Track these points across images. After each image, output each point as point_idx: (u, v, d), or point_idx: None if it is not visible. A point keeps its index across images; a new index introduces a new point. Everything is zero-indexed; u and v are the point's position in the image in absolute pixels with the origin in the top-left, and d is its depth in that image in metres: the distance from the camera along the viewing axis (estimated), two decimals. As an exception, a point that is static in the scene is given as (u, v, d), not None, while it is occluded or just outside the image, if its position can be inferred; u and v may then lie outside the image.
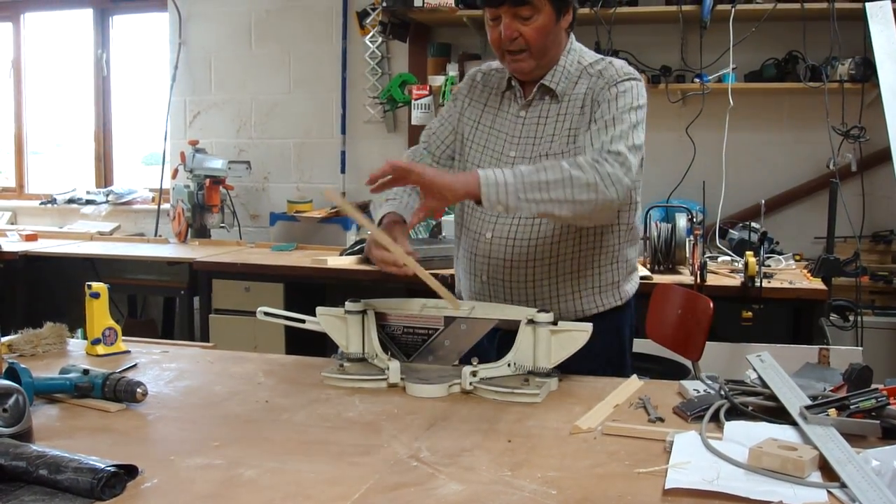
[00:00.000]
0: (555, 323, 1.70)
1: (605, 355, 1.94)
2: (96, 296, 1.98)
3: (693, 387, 1.63)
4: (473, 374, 1.67)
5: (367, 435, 1.43)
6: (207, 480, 1.21)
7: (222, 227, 4.59)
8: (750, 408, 1.47)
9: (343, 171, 4.76)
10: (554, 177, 1.69)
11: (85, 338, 2.04)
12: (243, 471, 1.25)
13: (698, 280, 3.19)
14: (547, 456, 1.32)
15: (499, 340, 1.90)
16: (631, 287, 2.06)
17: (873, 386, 1.44)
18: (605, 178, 1.72)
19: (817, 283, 3.27)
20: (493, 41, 1.90)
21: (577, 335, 1.71)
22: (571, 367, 1.76)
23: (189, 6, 4.97)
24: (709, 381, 1.65)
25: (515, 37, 1.85)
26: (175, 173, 4.67)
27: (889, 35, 3.54)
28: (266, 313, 1.97)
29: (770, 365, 1.57)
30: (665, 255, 3.44)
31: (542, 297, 1.96)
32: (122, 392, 1.55)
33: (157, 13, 5.15)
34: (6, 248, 4.18)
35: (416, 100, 4.29)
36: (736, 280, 3.29)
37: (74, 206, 5.20)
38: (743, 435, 1.33)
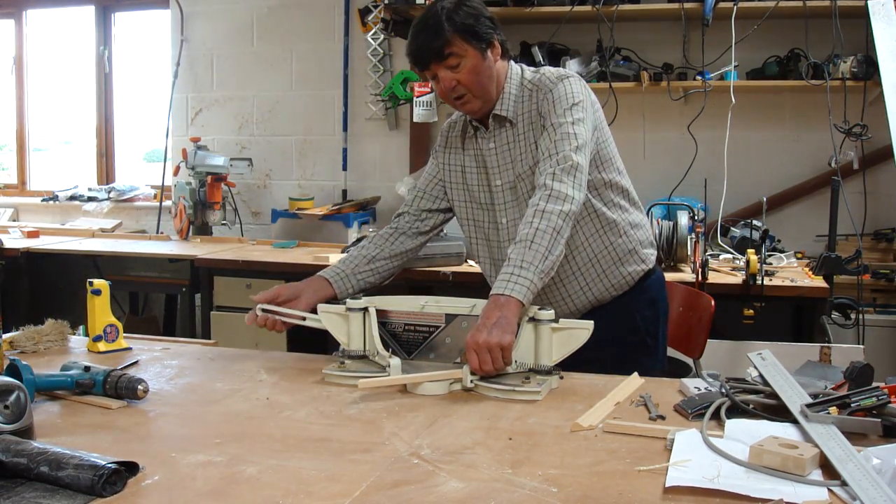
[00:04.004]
0: (556, 321, 1.71)
1: (644, 325, 2.13)
2: (98, 293, 1.99)
3: (694, 385, 1.63)
4: (474, 371, 1.68)
5: (367, 432, 1.43)
6: (208, 477, 1.22)
7: (224, 224, 4.59)
8: (751, 406, 1.47)
9: (345, 168, 4.76)
10: (546, 242, 1.77)
11: (86, 335, 2.05)
12: (244, 468, 1.25)
13: (700, 278, 3.19)
14: (548, 453, 1.32)
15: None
16: (650, 253, 2.17)
17: (874, 384, 1.44)
18: (565, 199, 1.83)
19: (819, 281, 3.27)
20: (440, 95, 2.04)
21: (579, 333, 1.71)
22: (611, 335, 1.93)
23: (191, 3, 4.96)
24: (710, 379, 1.65)
25: (453, 85, 1.98)
26: (177, 170, 4.67)
27: (891, 32, 3.53)
28: (263, 310, 1.97)
29: (771, 363, 1.57)
30: (667, 253, 3.44)
31: (567, 276, 2.07)
32: (124, 389, 1.56)
33: (158, 10, 5.15)
34: (8, 245, 4.18)
35: (417, 97, 4.28)
36: (737, 278, 3.28)
37: (76, 202, 5.20)
38: (744, 433, 1.33)
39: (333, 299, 2.03)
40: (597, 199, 2.05)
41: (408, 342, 1.84)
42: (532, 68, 2.09)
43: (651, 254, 2.17)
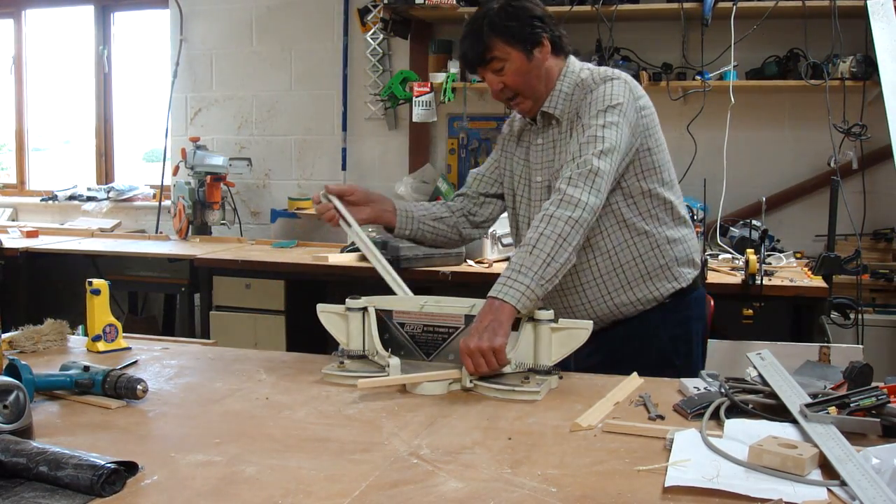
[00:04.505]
0: (555, 321, 1.71)
1: (672, 344, 2.03)
2: (97, 292, 1.99)
3: (693, 384, 1.63)
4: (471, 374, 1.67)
5: (367, 432, 1.43)
6: (208, 477, 1.21)
7: (223, 223, 4.59)
8: (750, 406, 1.47)
9: (344, 168, 4.76)
10: (548, 248, 1.74)
11: (86, 334, 2.05)
12: (244, 467, 1.25)
13: (699, 278, 3.18)
14: (547, 453, 1.32)
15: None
16: (688, 270, 2.06)
17: (873, 384, 1.44)
18: (576, 205, 1.78)
19: (818, 281, 3.27)
20: (493, 96, 2.04)
21: (578, 333, 1.71)
22: (632, 349, 1.95)
23: (190, 3, 4.96)
24: (709, 379, 1.65)
25: (500, 88, 2.00)
26: (176, 170, 4.67)
27: (890, 32, 3.53)
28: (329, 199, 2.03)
29: (770, 363, 1.58)
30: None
31: (587, 282, 2.02)
32: (123, 389, 1.56)
33: (158, 10, 5.15)
34: (7, 245, 4.18)
35: (417, 97, 4.28)
36: (737, 278, 3.28)
37: (75, 202, 5.20)
38: (743, 433, 1.33)
39: (388, 229, 2.11)
40: (630, 207, 1.99)
41: (426, 343, 1.82)
42: (590, 66, 2.06)
43: (689, 273, 2.06)
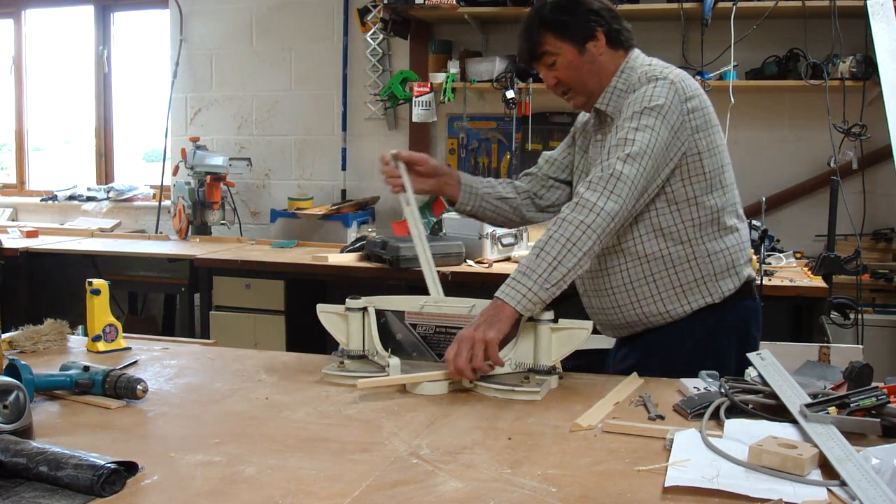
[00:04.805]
0: (555, 321, 1.71)
1: (699, 356, 1.88)
2: (97, 292, 1.99)
3: (693, 385, 1.63)
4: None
5: (367, 432, 1.43)
6: (207, 477, 1.21)
7: (223, 223, 4.59)
8: (750, 406, 1.47)
9: (344, 168, 4.76)
10: (555, 251, 1.70)
11: (85, 334, 2.05)
12: (243, 468, 1.25)
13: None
14: (547, 453, 1.32)
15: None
16: (726, 284, 1.95)
17: (873, 384, 1.44)
18: (591, 210, 1.72)
19: (818, 281, 3.27)
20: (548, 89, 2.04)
21: (578, 333, 1.71)
22: (658, 357, 1.90)
23: (190, 3, 4.96)
24: (709, 379, 1.65)
25: (554, 83, 1.98)
26: (176, 170, 4.67)
27: (890, 32, 3.53)
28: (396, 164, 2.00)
29: (770, 363, 1.58)
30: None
31: (617, 286, 1.96)
32: (123, 389, 1.56)
33: (158, 10, 5.15)
34: (7, 245, 4.18)
35: (417, 97, 4.28)
36: (737, 278, 3.28)
37: (75, 202, 5.20)
38: (743, 433, 1.33)
39: (450, 202, 2.09)
40: (672, 214, 1.91)
41: (438, 344, 1.80)
42: (652, 62, 1.97)
43: (727, 286, 1.94)
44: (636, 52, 2.01)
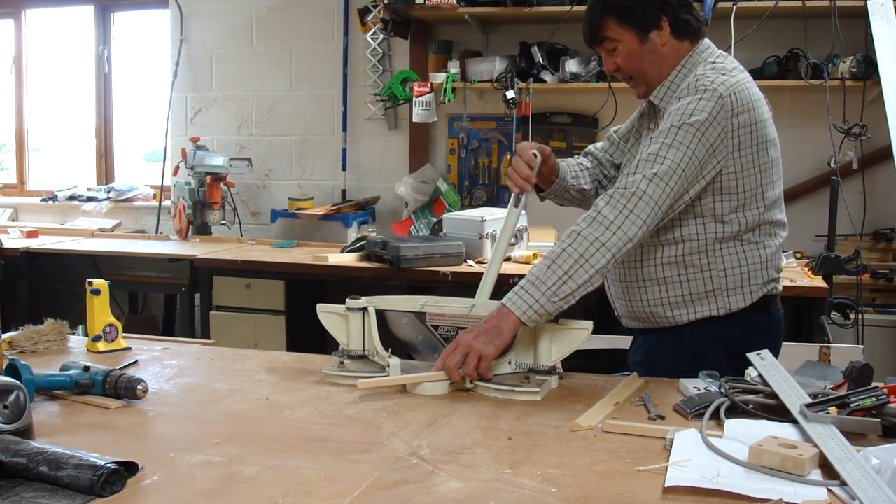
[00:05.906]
0: (555, 321, 1.71)
1: (696, 359, 1.84)
2: (97, 292, 1.99)
3: (693, 385, 1.63)
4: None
5: (367, 432, 1.43)
6: (208, 477, 1.21)
7: (223, 224, 4.59)
8: (750, 406, 1.47)
9: (344, 168, 4.76)
10: (567, 266, 1.67)
11: (86, 334, 2.05)
12: (243, 468, 1.25)
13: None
14: (547, 454, 1.32)
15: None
16: (736, 300, 1.90)
17: (874, 384, 1.44)
18: (607, 227, 1.69)
19: (818, 281, 3.27)
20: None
21: (578, 333, 1.71)
22: (661, 358, 1.92)
23: (190, 3, 4.96)
24: (709, 379, 1.65)
25: (615, 69, 1.93)
26: (176, 170, 4.67)
27: (891, 32, 3.53)
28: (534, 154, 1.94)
29: (770, 363, 1.58)
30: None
31: (631, 284, 1.95)
32: (123, 389, 1.56)
33: (158, 10, 5.15)
34: (7, 245, 4.18)
35: (417, 97, 4.28)
36: (737, 278, 3.28)
37: (75, 202, 5.20)
38: (743, 433, 1.33)
39: (538, 189, 2.05)
40: (697, 227, 1.87)
41: None
42: (716, 62, 1.90)
43: (736, 303, 1.90)
44: (705, 43, 1.94)
